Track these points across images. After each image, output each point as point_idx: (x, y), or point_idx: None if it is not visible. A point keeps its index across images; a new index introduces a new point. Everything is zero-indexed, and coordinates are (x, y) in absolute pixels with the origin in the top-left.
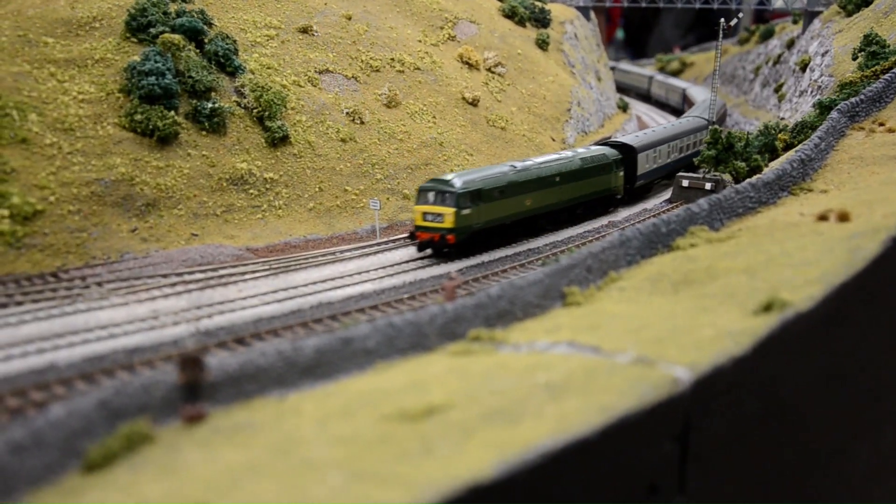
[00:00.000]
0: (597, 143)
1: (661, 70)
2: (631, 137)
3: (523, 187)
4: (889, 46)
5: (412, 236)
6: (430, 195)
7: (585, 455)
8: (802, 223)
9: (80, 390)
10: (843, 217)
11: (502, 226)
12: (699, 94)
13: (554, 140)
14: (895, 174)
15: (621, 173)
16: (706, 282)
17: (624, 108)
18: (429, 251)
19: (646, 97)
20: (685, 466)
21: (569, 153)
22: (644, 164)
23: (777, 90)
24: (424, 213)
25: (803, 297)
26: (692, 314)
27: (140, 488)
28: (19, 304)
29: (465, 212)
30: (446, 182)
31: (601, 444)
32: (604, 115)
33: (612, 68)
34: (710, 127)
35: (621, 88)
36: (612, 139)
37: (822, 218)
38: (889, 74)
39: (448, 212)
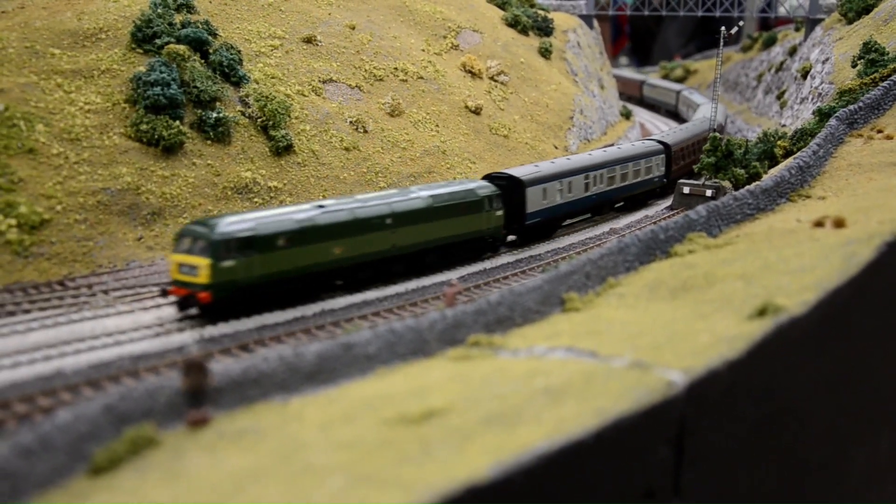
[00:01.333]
0: (486, 176)
1: (666, 77)
2: (526, 168)
3: (329, 232)
4: (888, 54)
5: (164, 293)
6: (186, 241)
7: (582, 458)
8: (799, 230)
9: (87, 396)
10: (840, 223)
11: (296, 279)
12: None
13: (556, 148)
14: (893, 181)
15: (500, 212)
16: (704, 288)
17: (627, 115)
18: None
19: (674, 114)
20: (680, 470)
21: (417, 190)
22: (538, 201)
23: (779, 97)
24: (180, 265)
25: (798, 303)
26: (689, 320)
27: (145, 492)
28: (27, 311)
29: (228, 264)
30: (206, 225)
31: (597, 448)
32: (606, 123)
33: (642, 83)
34: (711, 134)
35: (651, 105)
36: (503, 172)
37: (819, 224)
38: (887, 82)
39: (202, 263)
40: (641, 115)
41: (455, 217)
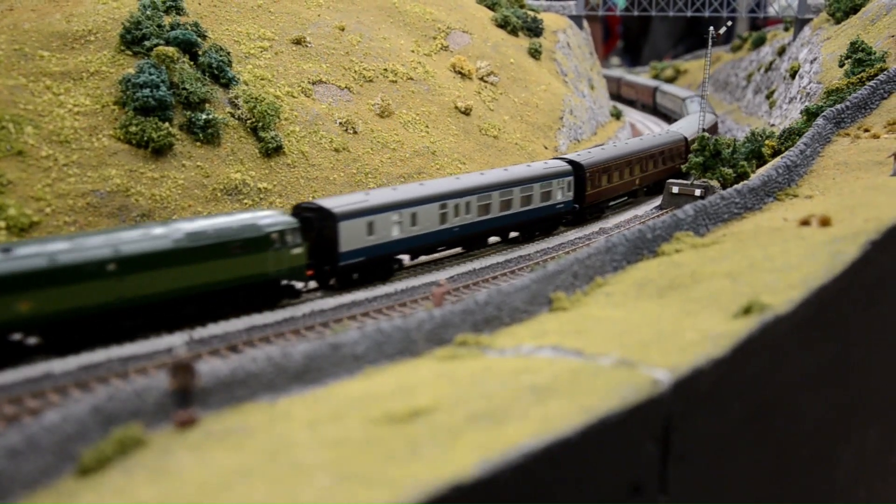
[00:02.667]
0: (296, 207)
1: (656, 77)
2: (349, 198)
3: (11, 284)
4: (875, 54)
5: None
6: None
7: (568, 455)
8: (786, 228)
9: (75, 398)
10: (826, 222)
11: None
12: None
13: (546, 148)
14: (879, 179)
15: (299, 250)
16: (691, 286)
17: (617, 115)
18: None
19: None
20: (667, 466)
21: (180, 223)
22: (360, 237)
23: (768, 97)
24: None
25: (784, 301)
26: (676, 318)
27: (133, 491)
28: None
29: None
30: None
31: (583, 445)
32: (596, 123)
33: (655, 89)
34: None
35: (664, 115)
36: (314, 202)
37: (805, 223)
38: (874, 81)
39: None
40: (632, 115)
41: (224, 258)
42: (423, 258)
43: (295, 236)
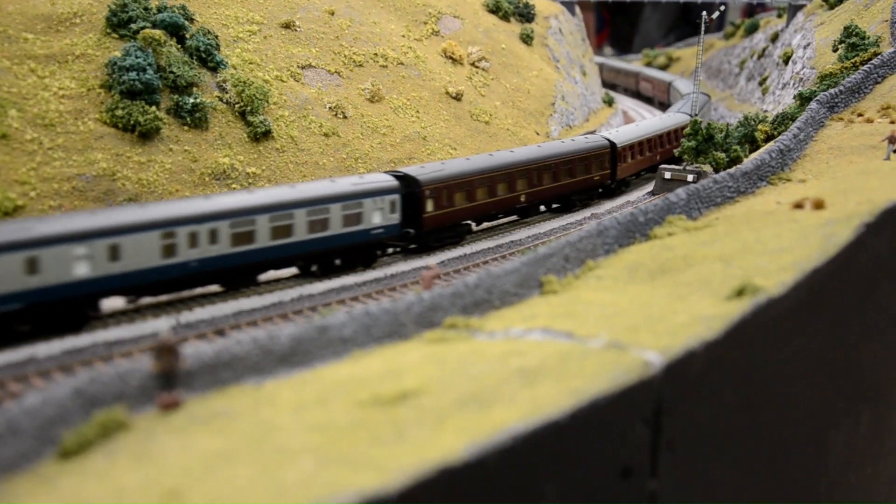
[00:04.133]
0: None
1: (648, 65)
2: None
3: None
4: (868, 38)
5: None
6: None
7: (557, 438)
8: (779, 211)
9: (58, 382)
10: (819, 205)
11: None
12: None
13: (538, 134)
14: (872, 163)
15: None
16: (682, 270)
17: (609, 102)
18: None
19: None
20: (658, 450)
21: None
22: (18, 278)
23: (761, 83)
24: None
25: (776, 283)
26: (667, 301)
27: (115, 475)
28: None
29: None
30: None
31: (573, 427)
32: (588, 110)
33: (670, 84)
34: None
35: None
36: None
37: (798, 206)
38: (868, 66)
39: None
40: (625, 102)
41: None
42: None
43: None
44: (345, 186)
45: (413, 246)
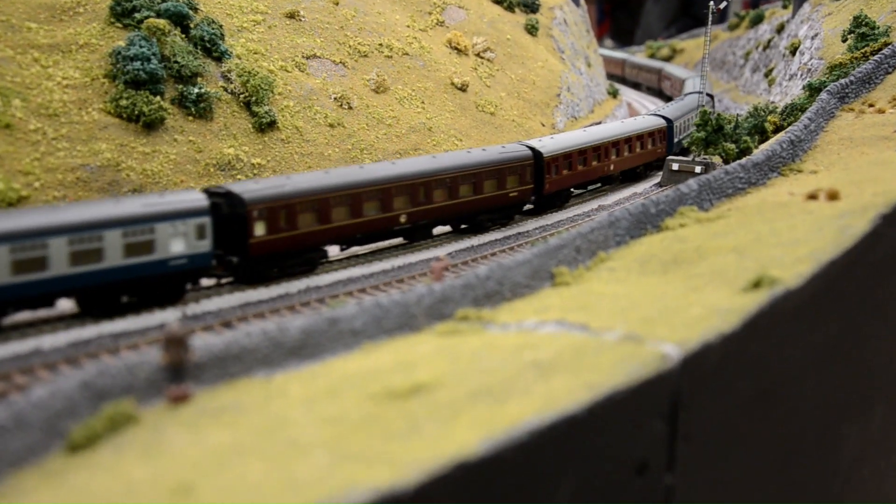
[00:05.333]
0: None
1: (652, 57)
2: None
3: None
4: (878, 28)
5: None
6: None
7: (573, 432)
8: (792, 203)
9: (65, 374)
10: (833, 196)
11: None
12: None
13: (544, 125)
14: (885, 154)
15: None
16: (695, 261)
17: (614, 94)
18: None
19: None
20: (675, 444)
21: None
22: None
23: (767, 75)
24: None
25: (793, 275)
26: (681, 293)
27: (124, 469)
28: None
29: None
30: None
31: (589, 422)
32: (593, 101)
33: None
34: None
35: (636, 86)
36: None
37: (812, 197)
38: (879, 55)
39: None
40: (629, 94)
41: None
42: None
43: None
44: (131, 208)
45: (230, 280)
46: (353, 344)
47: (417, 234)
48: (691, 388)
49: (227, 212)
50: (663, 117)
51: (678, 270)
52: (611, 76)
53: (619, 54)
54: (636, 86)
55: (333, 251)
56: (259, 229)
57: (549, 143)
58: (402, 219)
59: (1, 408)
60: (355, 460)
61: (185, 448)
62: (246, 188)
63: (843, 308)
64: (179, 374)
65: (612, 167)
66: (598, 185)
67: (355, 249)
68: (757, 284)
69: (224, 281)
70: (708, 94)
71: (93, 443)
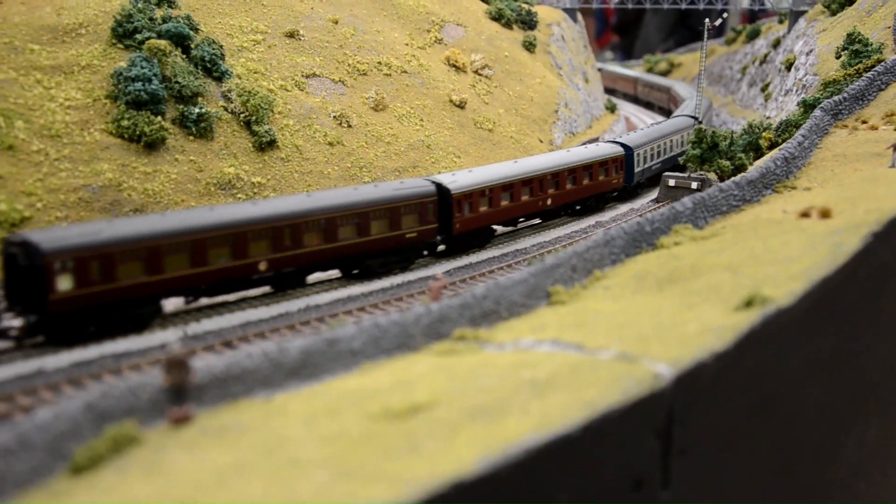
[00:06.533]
0: None
1: (650, 70)
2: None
3: None
4: (871, 45)
5: None
6: None
7: (569, 451)
8: (785, 220)
9: (68, 395)
10: (826, 214)
11: None
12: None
13: (542, 142)
14: (878, 171)
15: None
16: (690, 279)
17: (612, 108)
18: None
19: None
20: (669, 461)
21: None
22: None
23: (763, 89)
24: None
25: (785, 293)
26: (676, 311)
27: (127, 489)
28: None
29: None
30: None
31: (584, 440)
32: (591, 116)
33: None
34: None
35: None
36: None
37: (805, 215)
38: (871, 72)
39: None
40: (627, 108)
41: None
42: None
43: None
44: None
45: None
46: (352, 364)
47: (285, 283)
48: (686, 404)
49: (24, 263)
50: (622, 145)
51: (673, 288)
52: (624, 95)
53: (631, 72)
54: (649, 105)
55: (178, 303)
56: (63, 283)
57: (461, 178)
58: (262, 266)
59: (5, 430)
60: (354, 478)
61: (187, 468)
62: (47, 236)
63: (837, 323)
64: (181, 395)
65: (549, 201)
66: (539, 220)
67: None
68: (750, 303)
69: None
70: (693, 117)
71: (96, 464)
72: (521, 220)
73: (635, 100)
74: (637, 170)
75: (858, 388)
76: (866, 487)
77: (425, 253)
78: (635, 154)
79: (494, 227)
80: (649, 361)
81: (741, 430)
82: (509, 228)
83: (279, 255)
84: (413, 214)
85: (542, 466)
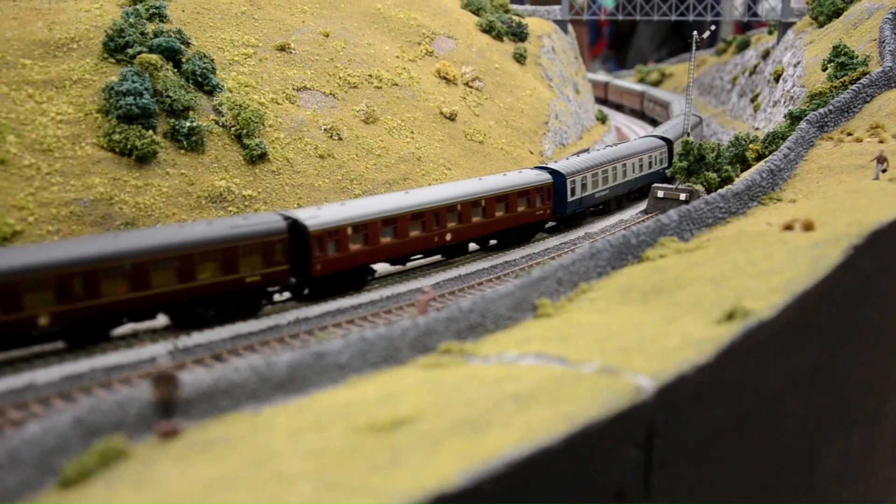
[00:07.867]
0: None
1: (642, 81)
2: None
3: None
4: (857, 57)
5: None
6: None
7: (551, 463)
8: (769, 233)
9: (58, 409)
10: (808, 226)
11: None
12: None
13: (532, 153)
14: (861, 183)
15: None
16: (674, 291)
17: (603, 119)
18: None
19: None
20: (650, 472)
21: None
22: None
23: (753, 100)
24: None
25: (766, 306)
26: (659, 323)
27: (115, 503)
28: None
29: None
30: None
31: (566, 452)
32: (582, 128)
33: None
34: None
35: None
36: None
37: (788, 227)
38: (857, 85)
39: None
40: (617, 118)
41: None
42: None
43: None
44: None
45: None
46: (339, 377)
47: (81, 336)
48: (667, 416)
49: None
50: (550, 171)
51: (657, 300)
52: (631, 111)
53: (638, 86)
54: (654, 122)
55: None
56: None
57: (326, 213)
58: (43, 321)
59: None
60: (338, 491)
61: (175, 481)
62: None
63: (819, 335)
64: (169, 409)
65: (448, 237)
66: (439, 256)
67: None
68: (731, 316)
69: None
70: (663, 139)
71: (85, 478)
72: (412, 258)
73: (642, 115)
74: (572, 198)
75: (839, 400)
76: (849, 497)
77: (279, 297)
78: (568, 181)
79: (374, 266)
80: (631, 374)
81: (722, 442)
82: (398, 268)
83: (71, 307)
84: (255, 255)
85: (524, 479)
